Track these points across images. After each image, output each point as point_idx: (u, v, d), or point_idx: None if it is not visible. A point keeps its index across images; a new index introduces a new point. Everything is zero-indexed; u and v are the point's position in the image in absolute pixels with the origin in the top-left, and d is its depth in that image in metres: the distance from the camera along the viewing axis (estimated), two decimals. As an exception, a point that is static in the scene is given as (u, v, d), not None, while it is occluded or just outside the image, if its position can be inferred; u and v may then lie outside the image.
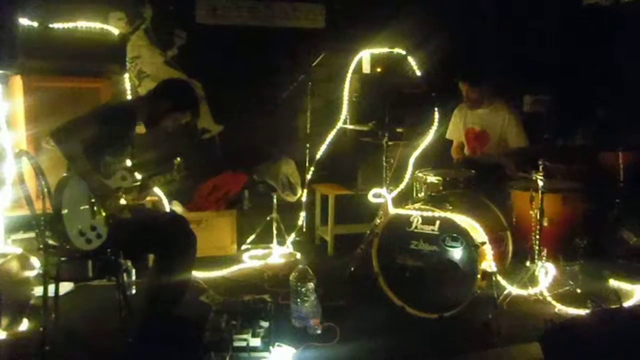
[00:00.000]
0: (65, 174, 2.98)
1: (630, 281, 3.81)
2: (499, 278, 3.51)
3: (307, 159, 4.83)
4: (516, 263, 3.82)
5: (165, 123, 3.31)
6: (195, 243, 3.22)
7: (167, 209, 4.28)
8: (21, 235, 3.76)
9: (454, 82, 4.54)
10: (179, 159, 3.34)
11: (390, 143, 4.11)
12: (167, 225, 3.28)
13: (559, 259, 3.78)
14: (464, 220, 3.44)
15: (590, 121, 4.96)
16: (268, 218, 4.70)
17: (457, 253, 3.39)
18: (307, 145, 4.83)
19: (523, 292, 3.62)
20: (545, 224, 3.65)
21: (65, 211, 2.83)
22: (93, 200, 2.95)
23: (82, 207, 2.91)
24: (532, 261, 3.66)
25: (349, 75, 4.78)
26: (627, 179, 4.18)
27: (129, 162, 3.43)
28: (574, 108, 5.06)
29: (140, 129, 4.67)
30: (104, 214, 2.96)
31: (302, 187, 4.99)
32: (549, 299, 3.55)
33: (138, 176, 3.36)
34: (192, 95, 3.43)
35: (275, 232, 4.67)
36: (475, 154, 4.65)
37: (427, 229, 3.47)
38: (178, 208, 4.62)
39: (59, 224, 2.82)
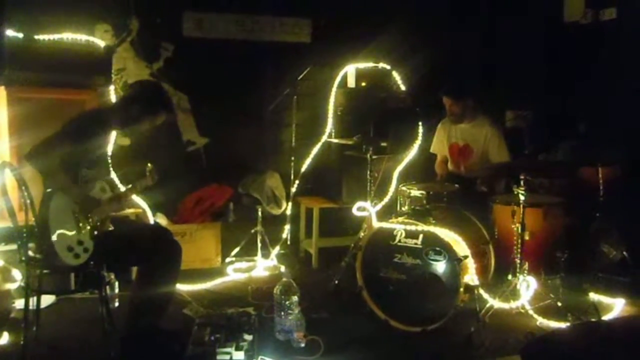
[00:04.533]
0: (49, 190, 2.95)
1: (610, 295, 3.87)
2: (481, 291, 3.54)
3: (292, 172, 4.85)
4: (498, 276, 3.85)
5: (142, 127, 3.24)
6: (180, 253, 3.21)
7: (152, 221, 4.27)
8: (3, 247, 3.72)
9: (438, 96, 4.60)
10: (149, 165, 3.33)
11: (374, 157, 4.14)
12: (151, 236, 3.27)
13: (540, 273, 3.83)
14: (446, 234, 3.47)
15: (571, 136, 5.04)
16: (253, 231, 4.69)
17: (440, 266, 3.41)
18: (292, 158, 4.85)
19: (505, 306, 3.65)
20: (526, 237, 3.69)
21: (52, 227, 2.78)
22: (77, 215, 2.93)
23: (67, 222, 2.88)
24: (514, 274, 3.70)
25: (334, 89, 4.83)
26: (607, 193, 4.24)
27: (108, 174, 3.42)
28: (555, 124, 5.14)
29: (124, 141, 4.68)
30: (88, 227, 2.94)
31: (287, 200, 5.01)
32: (531, 312, 3.58)
33: (121, 187, 3.36)
34: (162, 94, 3.37)
35: (259, 244, 4.67)
36: (459, 168, 4.70)
37: (411, 242, 3.50)
38: (162, 220, 4.61)
39: (47, 241, 2.77)
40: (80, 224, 2.91)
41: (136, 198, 4.05)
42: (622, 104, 4.82)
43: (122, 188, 3.38)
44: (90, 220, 2.95)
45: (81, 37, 4.23)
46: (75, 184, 2.99)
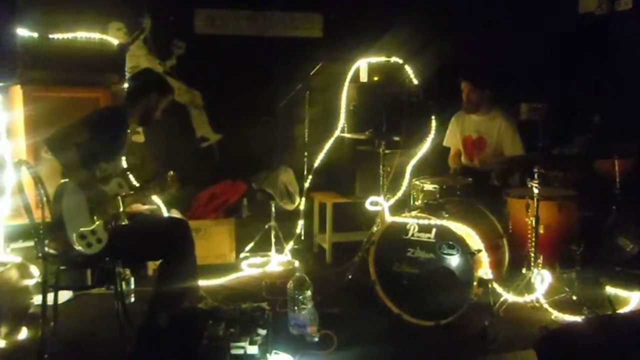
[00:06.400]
0: (62, 180, 3.00)
1: (627, 288, 3.83)
2: (495, 285, 3.53)
3: (305, 167, 4.86)
4: (512, 270, 3.83)
5: (157, 113, 3.41)
6: (192, 246, 3.26)
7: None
8: (20, 244, 3.78)
9: (457, 81, 4.56)
10: (171, 172, 3.38)
11: (387, 151, 4.13)
12: (165, 231, 3.30)
13: (555, 266, 3.80)
14: (460, 228, 3.46)
15: (586, 129, 4.98)
16: (266, 226, 4.72)
17: (453, 260, 3.40)
18: (305, 153, 4.86)
19: (519, 299, 3.63)
20: (541, 231, 3.67)
21: (65, 217, 2.85)
22: (92, 206, 2.97)
23: (81, 212, 2.93)
24: (529, 268, 3.68)
25: (346, 84, 4.82)
26: (623, 186, 4.20)
27: (125, 170, 3.47)
28: (570, 116, 5.09)
29: (139, 137, 4.72)
30: (102, 220, 2.98)
31: (300, 195, 5.01)
32: (546, 306, 3.57)
33: (135, 183, 3.40)
34: (161, 75, 3.72)
35: (273, 240, 4.69)
36: (473, 161, 4.68)
37: (424, 236, 3.49)
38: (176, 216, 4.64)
39: (60, 230, 2.85)
40: (95, 216, 2.96)
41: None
42: (637, 95, 4.75)
43: (137, 184, 3.42)
44: (103, 213, 3.00)
45: (95, 35, 4.28)
46: (92, 178, 3.03)
